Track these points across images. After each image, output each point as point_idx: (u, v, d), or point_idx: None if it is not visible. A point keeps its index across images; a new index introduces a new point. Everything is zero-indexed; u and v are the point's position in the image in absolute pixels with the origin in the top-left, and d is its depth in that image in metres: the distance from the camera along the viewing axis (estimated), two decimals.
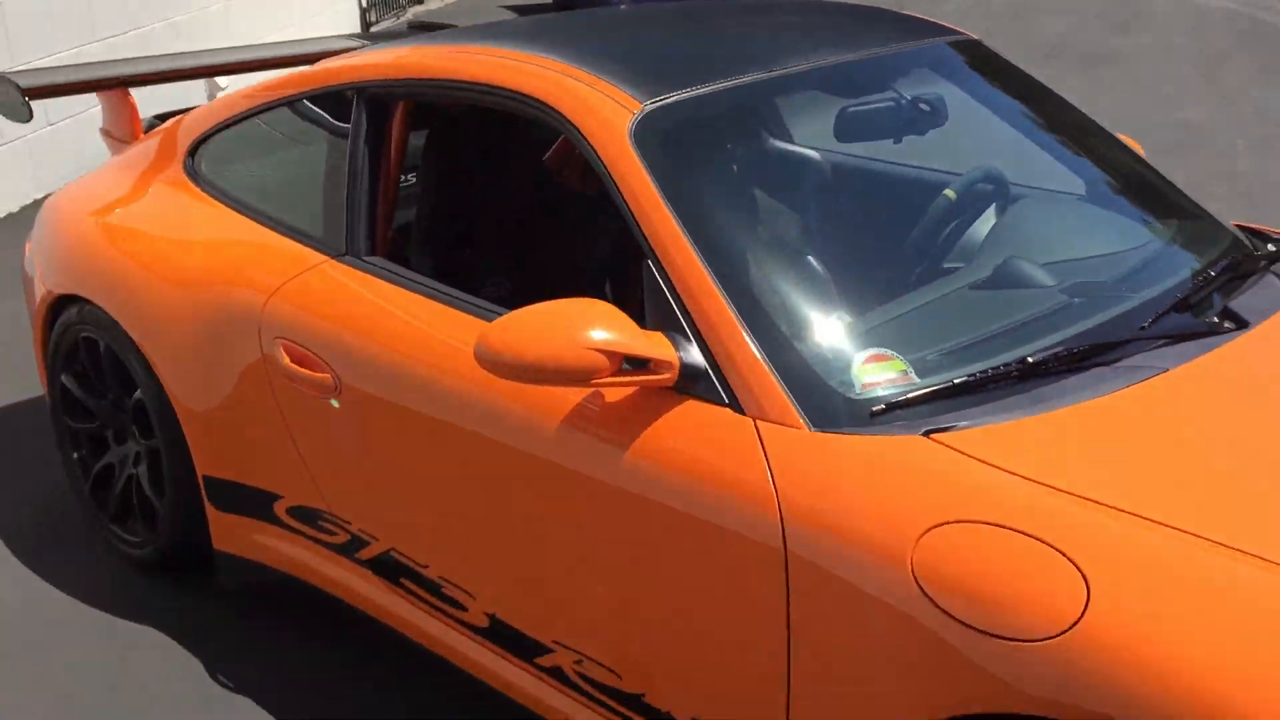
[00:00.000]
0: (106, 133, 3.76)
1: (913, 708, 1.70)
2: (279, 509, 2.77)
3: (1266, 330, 2.13)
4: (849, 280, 2.27)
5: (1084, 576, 1.57)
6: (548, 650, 2.27)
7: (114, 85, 3.62)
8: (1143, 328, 2.12)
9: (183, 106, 3.77)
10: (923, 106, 2.63)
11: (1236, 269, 2.38)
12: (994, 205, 2.63)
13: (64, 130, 6.49)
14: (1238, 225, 2.71)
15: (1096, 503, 1.66)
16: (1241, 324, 2.15)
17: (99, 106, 3.70)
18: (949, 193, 2.67)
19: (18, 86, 3.42)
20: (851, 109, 2.64)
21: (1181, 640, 1.50)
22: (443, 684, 2.61)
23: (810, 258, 2.29)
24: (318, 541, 2.72)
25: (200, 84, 6.06)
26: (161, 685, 2.74)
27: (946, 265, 2.46)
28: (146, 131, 3.62)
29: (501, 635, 2.36)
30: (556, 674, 2.27)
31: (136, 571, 3.13)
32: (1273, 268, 2.43)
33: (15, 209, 6.20)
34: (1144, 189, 2.71)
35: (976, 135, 2.85)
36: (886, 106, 2.63)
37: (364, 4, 11.89)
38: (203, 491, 2.86)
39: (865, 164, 2.86)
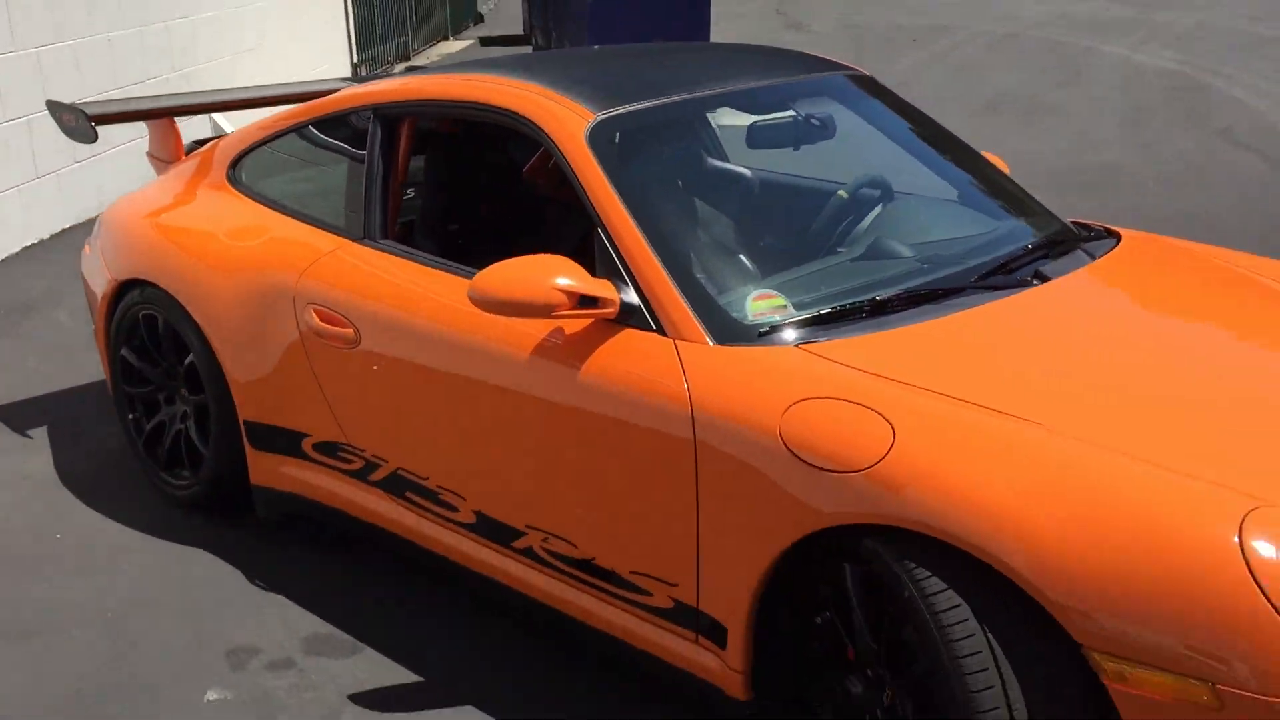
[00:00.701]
0: (152, 156, 4.47)
1: (783, 532, 2.37)
2: (306, 445, 3.44)
3: (1058, 283, 2.85)
4: (751, 246, 2.99)
5: (891, 426, 2.26)
6: (521, 534, 2.94)
7: (163, 115, 4.33)
8: (973, 281, 2.84)
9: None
10: (814, 122, 3.36)
11: (1053, 246, 3.10)
12: (880, 202, 3.36)
13: (89, 167, 7.19)
14: (1074, 221, 3.44)
15: (904, 383, 2.36)
16: (1044, 279, 2.86)
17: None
18: (842, 193, 3.40)
19: (85, 114, 4.13)
20: (759, 123, 3.36)
21: (957, 466, 2.18)
22: (437, 588, 3.28)
23: (720, 229, 3.01)
24: (337, 470, 3.39)
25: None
26: (210, 588, 3.39)
27: (840, 248, 3.17)
28: (187, 154, 4.32)
29: (486, 528, 3.03)
30: (528, 553, 2.94)
31: (184, 510, 3.78)
32: (1082, 246, 3.15)
33: (47, 236, 6.88)
34: (996, 190, 3.43)
35: (866, 147, 3.58)
36: (787, 122, 3.36)
37: (354, 60, 12.69)
38: (243, 434, 3.53)
39: (778, 167, 3.57)
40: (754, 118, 3.46)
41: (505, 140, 3.81)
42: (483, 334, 2.87)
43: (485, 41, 16.86)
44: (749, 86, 3.27)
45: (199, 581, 3.43)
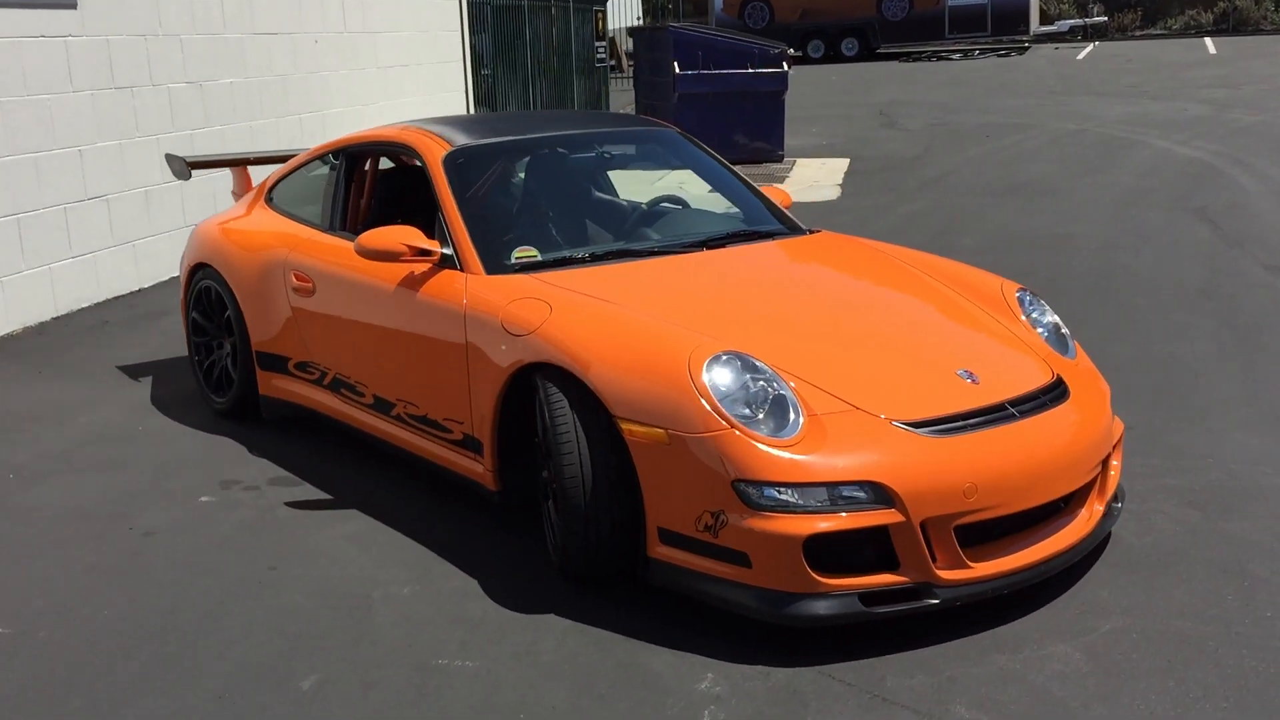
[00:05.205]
0: (234, 193, 6.47)
1: (502, 373, 4.02)
2: (290, 365, 5.27)
3: (726, 250, 4.54)
4: (532, 224, 4.73)
5: (550, 308, 3.93)
6: (394, 405, 4.68)
7: (239, 164, 6.35)
8: (681, 247, 4.52)
9: None
10: (607, 156, 5.11)
11: (759, 235, 4.74)
12: (672, 210, 5.05)
13: (162, 239, 8.98)
14: (812, 229, 5.03)
15: (567, 289, 4.05)
16: (713, 247, 4.51)
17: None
18: (644, 204, 5.12)
19: (184, 159, 6.16)
20: (574, 156, 5.12)
21: (572, 327, 3.83)
22: (355, 449, 5.05)
23: (515, 215, 4.77)
24: (305, 379, 5.21)
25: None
26: (221, 453, 5.23)
27: (618, 232, 4.87)
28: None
29: (379, 404, 4.78)
30: (398, 417, 4.67)
31: (224, 418, 5.66)
32: (782, 236, 4.77)
33: (124, 292, 8.74)
34: (762, 205, 5.07)
35: (679, 176, 5.28)
36: (592, 156, 5.12)
37: None
38: (254, 360, 5.39)
39: (584, 189, 5.27)
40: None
41: (405, 161, 5.52)
42: (372, 278, 4.66)
43: None
44: (568, 133, 5.06)
45: (216, 450, 5.29)
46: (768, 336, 3.83)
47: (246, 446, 5.32)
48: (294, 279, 5.13)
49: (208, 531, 4.45)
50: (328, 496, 4.75)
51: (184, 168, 6.19)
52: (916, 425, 3.53)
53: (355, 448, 5.14)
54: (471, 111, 14.43)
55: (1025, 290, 4.42)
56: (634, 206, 5.15)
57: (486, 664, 3.48)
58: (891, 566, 3.44)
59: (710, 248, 4.58)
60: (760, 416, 3.48)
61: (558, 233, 4.77)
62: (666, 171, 5.43)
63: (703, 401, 3.48)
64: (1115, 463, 4.12)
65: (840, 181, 13.07)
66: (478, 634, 3.64)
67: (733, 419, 3.45)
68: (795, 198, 12.47)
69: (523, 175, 5.05)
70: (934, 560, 3.44)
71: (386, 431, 4.77)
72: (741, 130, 14.51)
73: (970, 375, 3.76)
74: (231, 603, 3.90)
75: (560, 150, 5.13)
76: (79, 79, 7.88)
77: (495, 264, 4.35)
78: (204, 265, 5.69)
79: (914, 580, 3.44)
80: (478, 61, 14.86)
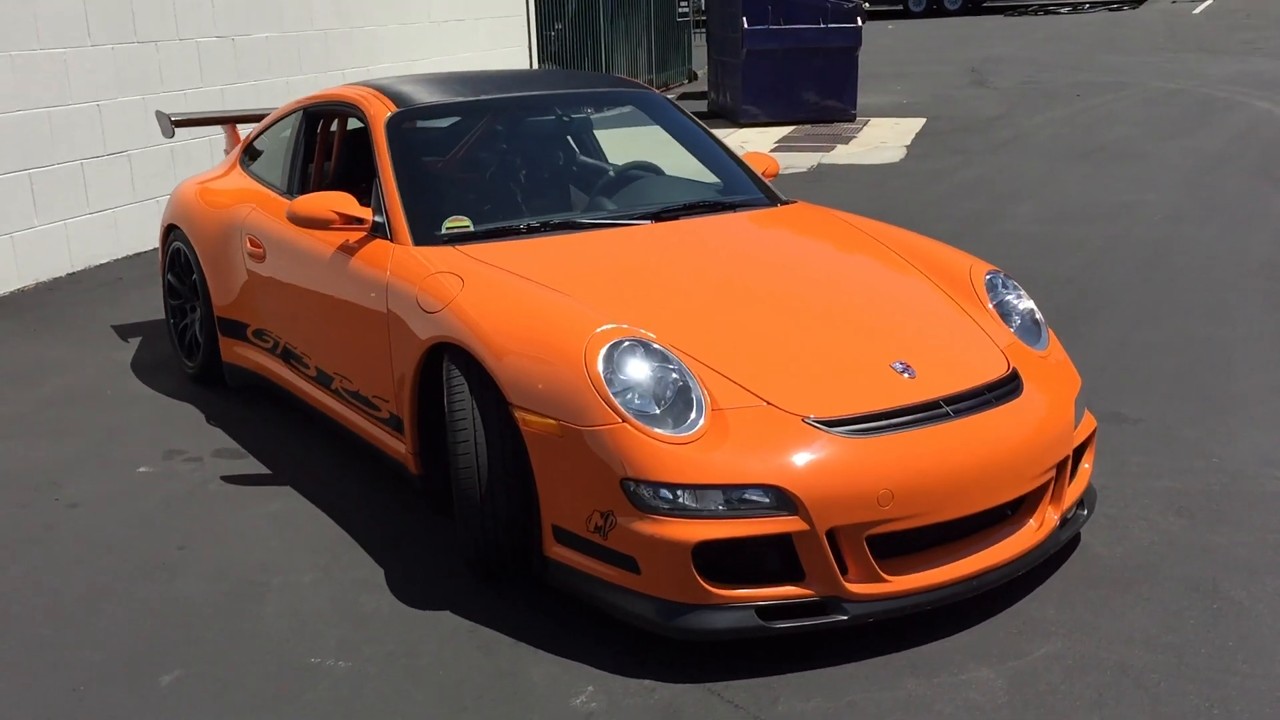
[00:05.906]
0: (226, 151, 6.31)
1: (417, 351, 3.75)
2: (248, 332, 5.09)
3: (701, 220, 4.23)
4: (476, 192, 4.44)
5: (463, 283, 3.66)
6: (333, 379, 4.46)
7: (228, 122, 6.17)
8: (628, 218, 4.20)
9: None
10: (565, 119, 4.79)
11: (726, 206, 4.41)
12: (643, 179, 4.73)
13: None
14: (789, 199, 4.67)
15: (486, 263, 3.76)
16: (660, 220, 4.19)
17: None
18: (611, 171, 4.80)
19: (169, 117, 6.00)
20: (532, 118, 4.81)
21: (479, 304, 3.55)
22: (302, 421, 4.85)
23: (457, 182, 4.49)
24: (261, 347, 5.02)
25: None
26: (193, 420, 5.08)
27: (573, 201, 4.57)
28: None
29: (320, 377, 4.57)
30: (337, 391, 4.46)
31: (193, 383, 5.52)
32: (752, 207, 4.44)
33: (145, 249, 8.49)
34: (746, 175, 4.72)
35: (653, 140, 4.94)
36: (551, 118, 4.80)
37: None
38: (216, 326, 5.23)
39: (542, 154, 4.95)
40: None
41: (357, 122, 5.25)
42: (312, 245, 4.44)
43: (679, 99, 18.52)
44: (528, 95, 4.75)
45: (173, 417, 5.14)
46: (688, 320, 3.51)
47: (205, 415, 5.17)
48: (248, 244, 4.94)
49: (132, 505, 4.30)
50: (267, 471, 4.56)
51: (169, 125, 6.05)
52: (831, 424, 3.18)
53: (313, 419, 4.95)
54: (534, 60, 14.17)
55: (998, 273, 4.02)
56: (600, 173, 4.84)
57: (359, 664, 3.25)
58: (796, 578, 3.12)
59: (662, 219, 4.26)
60: (658, 411, 3.18)
61: (505, 202, 4.48)
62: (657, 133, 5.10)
63: (595, 392, 3.18)
64: (1086, 465, 3.73)
65: (909, 143, 12.51)
66: (362, 630, 3.42)
67: (625, 412, 3.15)
68: (858, 160, 12.04)
69: (473, 140, 4.77)
70: (844, 572, 3.11)
71: (327, 405, 4.57)
72: (812, 88, 14.00)
73: (906, 368, 3.40)
74: (124, 585, 3.73)
75: (518, 113, 4.84)
76: (97, 32, 7.80)
77: (424, 234, 4.08)
78: (175, 227, 5.55)
79: (820, 593, 3.11)
80: (547, 16, 14.56)
